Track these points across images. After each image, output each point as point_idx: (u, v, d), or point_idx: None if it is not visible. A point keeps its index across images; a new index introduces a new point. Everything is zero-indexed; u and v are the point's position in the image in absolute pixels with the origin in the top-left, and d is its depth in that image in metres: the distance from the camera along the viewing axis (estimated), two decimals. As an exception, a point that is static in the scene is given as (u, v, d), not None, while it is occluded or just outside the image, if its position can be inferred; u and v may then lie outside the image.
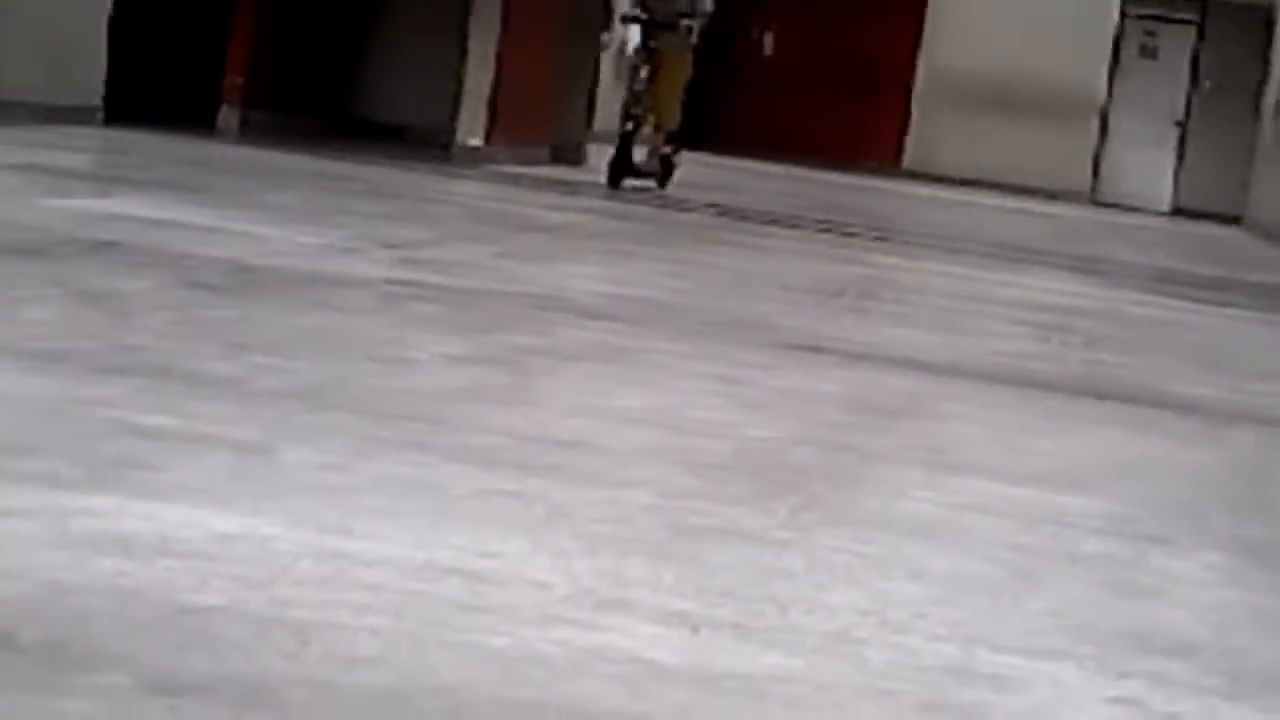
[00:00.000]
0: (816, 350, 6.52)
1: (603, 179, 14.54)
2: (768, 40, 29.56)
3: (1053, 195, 26.51)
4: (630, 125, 14.67)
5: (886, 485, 4.35)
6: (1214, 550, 4.08)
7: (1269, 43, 27.00)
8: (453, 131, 15.10)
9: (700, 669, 2.79)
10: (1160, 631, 3.34)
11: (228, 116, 14.53)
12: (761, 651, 2.91)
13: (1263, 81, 26.93)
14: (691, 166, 20.96)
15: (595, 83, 17.91)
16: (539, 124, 16.30)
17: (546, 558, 3.28)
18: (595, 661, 2.76)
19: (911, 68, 28.71)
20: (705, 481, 4.10)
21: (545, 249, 9.01)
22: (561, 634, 2.85)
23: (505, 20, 15.27)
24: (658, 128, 14.84)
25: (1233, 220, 26.51)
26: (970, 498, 4.32)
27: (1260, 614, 3.58)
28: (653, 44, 14.60)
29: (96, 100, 12.79)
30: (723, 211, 13.86)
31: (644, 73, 14.56)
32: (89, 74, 12.71)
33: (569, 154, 16.83)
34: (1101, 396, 6.41)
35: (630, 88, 14.62)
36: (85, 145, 11.40)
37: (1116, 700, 2.89)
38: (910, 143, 28.66)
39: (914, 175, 27.05)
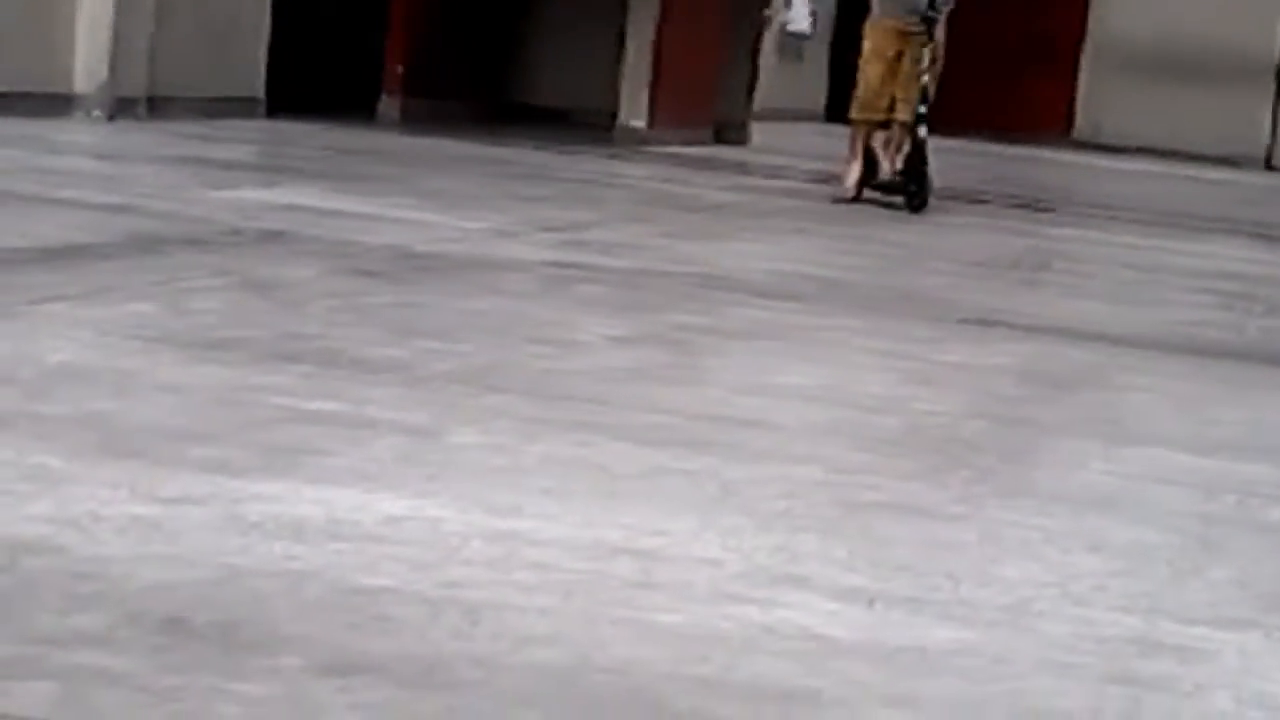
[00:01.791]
0: (990, 324, 6.43)
1: (844, 190, 11.26)
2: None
3: (1227, 161, 26.05)
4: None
5: (1063, 457, 4.27)
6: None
7: None
8: (614, 114, 15.08)
9: (876, 643, 2.74)
10: (1350, 600, 3.25)
11: (388, 105, 14.59)
12: (937, 625, 2.86)
13: None
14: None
15: (757, 61, 17.80)
16: (701, 104, 16.24)
17: (718, 535, 3.24)
18: (770, 638, 2.72)
19: (1081, 35, 28.33)
20: (877, 456, 4.05)
21: (710, 229, 8.97)
22: (735, 611, 2.82)
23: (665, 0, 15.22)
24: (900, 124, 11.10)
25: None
26: (1150, 468, 4.23)
27: None
28: (932, 14, 11.11)
29: (258, 92, 12.90)
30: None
31: (926, 57, 11.00)
32: (250, 66, 12.82)
33: (733, 134, 16.76)
34: (1282, 363, 6.28)
35: (919, 76, 10.91)
36: (248, 137, 11.50)
37: (1307, 670, 2.82)
38: (1080, 111, 28.29)
39: (1084, 145, 26.69)
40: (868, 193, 11.14)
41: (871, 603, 2.94)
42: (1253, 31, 27.78)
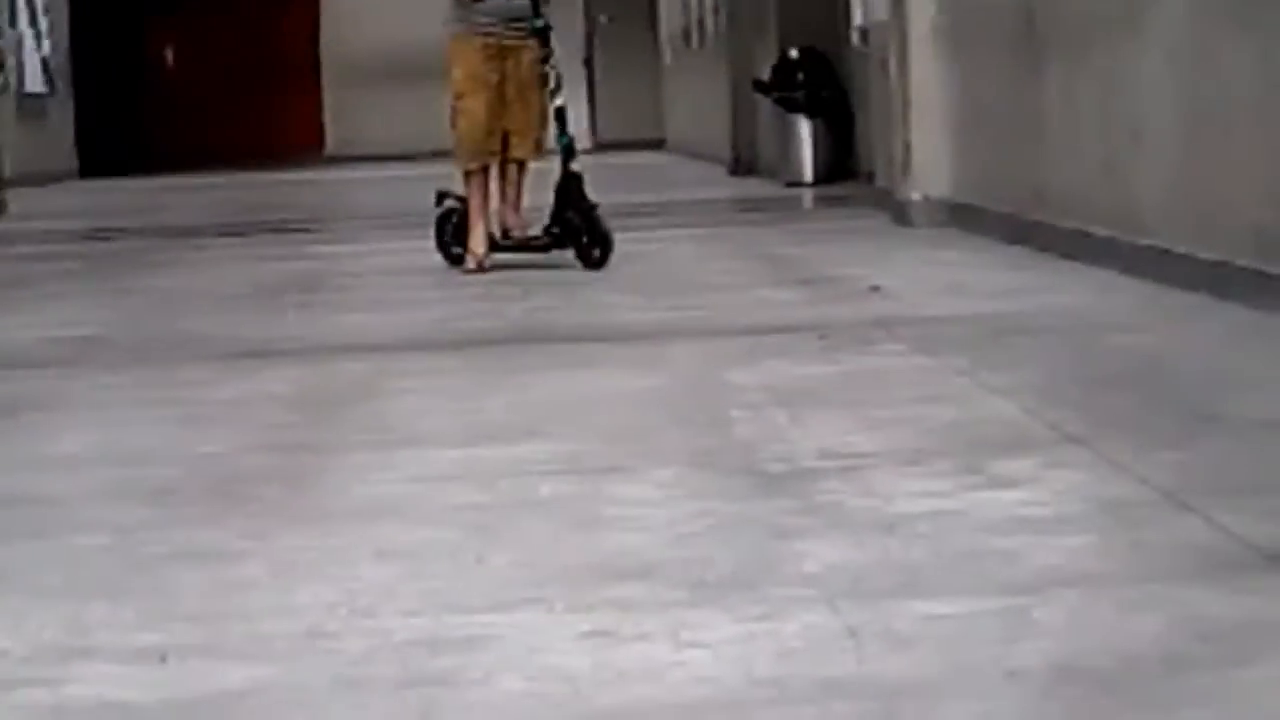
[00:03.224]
0: (261, 354, 6.46)
1: (474, 260, 9.12)
2: (169, 54, 29.14)
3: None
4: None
5: (343, 473, 4.34)
6: (665, 468, 4.19)
7: (652, -32, 27.75)
8: None
9: (171, 700, 2.74)
10: (623, 557, 3.42)
11: None
12: (233, 667, 2.88)
13: (654, 4, 27.67)
14: (109, 194, 20.50)
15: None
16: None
17: (1, 621, 3.18)
18: (60, 717, 2.69)
19: (315, 54, 28.66)
20: (159, 509, 4.03)
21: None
22: (22, 698, 2.77)
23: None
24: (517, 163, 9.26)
25: (657, 144, 27.21)
26: (427, 468, 4.34)
27: (715, 521, 3.69)
28: (506, 39, 9.06)
29: None
30: (149, 233, 13.61)
31: (552, 76, 9.03)
32: None
33: (-15, 205, 16.27)
34: (545, 341, 6.52)
35: (548, 98, 9.05)
36: None
37: (587, 635, 2.95)
38: (329, 129, 28.63)
39: (339, 159, 27.02)
40: (505, 256, 9.15)
41: (164, 658, 2.93)
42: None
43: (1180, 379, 5.11)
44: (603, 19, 29.36)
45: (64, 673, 2.88)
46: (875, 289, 7.35)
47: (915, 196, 10.51)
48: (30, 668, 2.92)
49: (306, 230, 13.30)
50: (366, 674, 2.82)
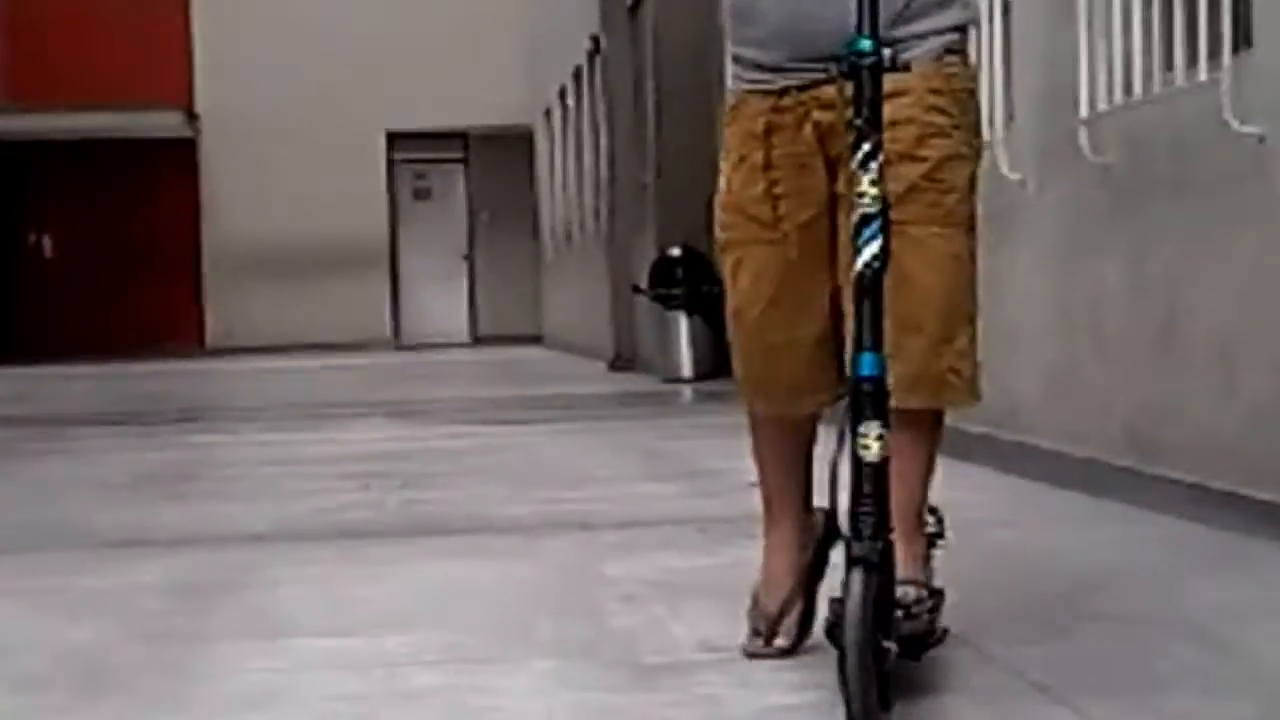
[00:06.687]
0: (135, 544, 6.40)
1: (759, 616, 4.17)
2: (46, 243, 29.06)
3: (359, 347, 26.84)
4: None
5: (216, 664, 4.30)
6: (542, 658, 4.17)
7: (533, 165, 28.02)
8: None
9: None
10: (497, 749, 3.40)
11: None
12: None
13: (536, 203, 27.91)
14: (-12, 382, 20.34)
15: None
16: None
17: None
18: None
19: (196, 247, 28.69)
20: (26, 697, 3.97)
21: None
22: None
23: None
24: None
25: (535, 340, 27.33)
26: (301, 658, 4.31)
27: (591, 712, 3.68)
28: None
29: None
30: (23, 422, 13.49)
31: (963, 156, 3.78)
32: None
33: None
34: (423, 533, 6.50)
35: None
36: None
37: (460, 825, 2.93)
38: (210, 320, 28.59)
39: (220, 352, 26.97)
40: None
41: None
42: (360, 223, 28.78)
43: (1055, 576, 5.15)
44: (484, 216, 29.60)
45: None
46: (753, 484, 7.37)
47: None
48: None
49: (184, 421, 13.23)
50: None
